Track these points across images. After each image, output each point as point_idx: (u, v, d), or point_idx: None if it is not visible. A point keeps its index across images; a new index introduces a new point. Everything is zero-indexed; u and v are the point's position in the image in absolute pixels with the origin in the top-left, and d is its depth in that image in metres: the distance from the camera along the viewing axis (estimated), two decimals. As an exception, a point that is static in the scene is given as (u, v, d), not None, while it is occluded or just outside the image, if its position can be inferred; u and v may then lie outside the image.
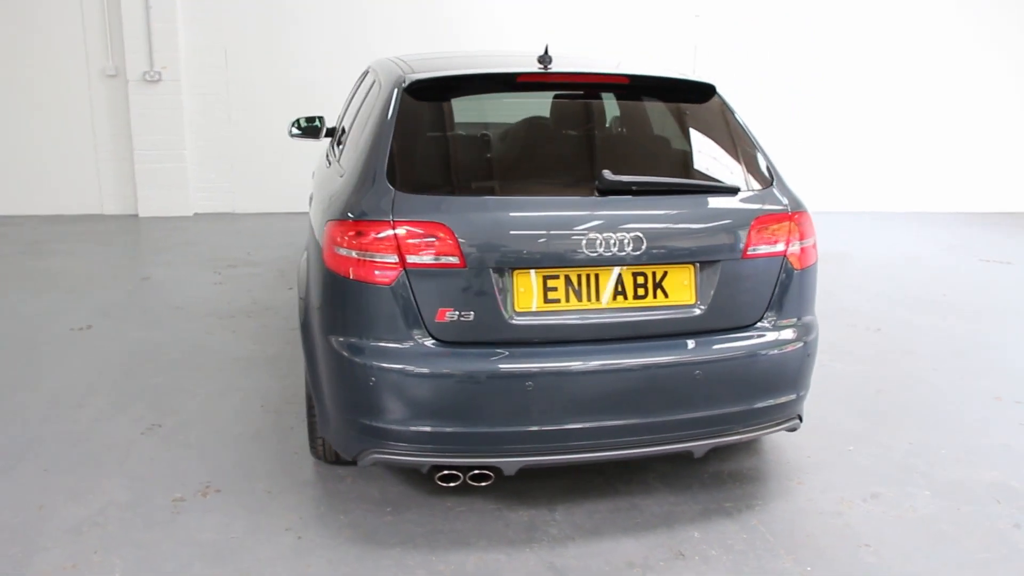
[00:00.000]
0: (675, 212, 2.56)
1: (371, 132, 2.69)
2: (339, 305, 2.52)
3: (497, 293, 2.45)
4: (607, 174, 2.51)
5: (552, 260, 2.45)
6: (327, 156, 3.99)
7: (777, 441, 3.37)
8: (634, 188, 2.54)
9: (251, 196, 7.87)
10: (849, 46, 8.39)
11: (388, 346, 2.45)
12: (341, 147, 3.24)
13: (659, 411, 2.55)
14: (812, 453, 3.31)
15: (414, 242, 2.41)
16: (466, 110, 2.95)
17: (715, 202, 2.62)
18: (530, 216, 2.50)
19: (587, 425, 2.50)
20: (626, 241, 2.47)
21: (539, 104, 2.95)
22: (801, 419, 2.89)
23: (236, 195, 7.87)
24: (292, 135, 4.94)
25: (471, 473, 2.57)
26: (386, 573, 2.50)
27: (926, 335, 4.83)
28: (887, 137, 8.55)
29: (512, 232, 2.46)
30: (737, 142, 2.80)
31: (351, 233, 2.46)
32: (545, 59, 3.04)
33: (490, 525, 2.77)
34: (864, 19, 8.36)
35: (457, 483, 2.62)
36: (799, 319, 2.76)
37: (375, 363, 2.44)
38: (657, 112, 2.86)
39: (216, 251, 6.44)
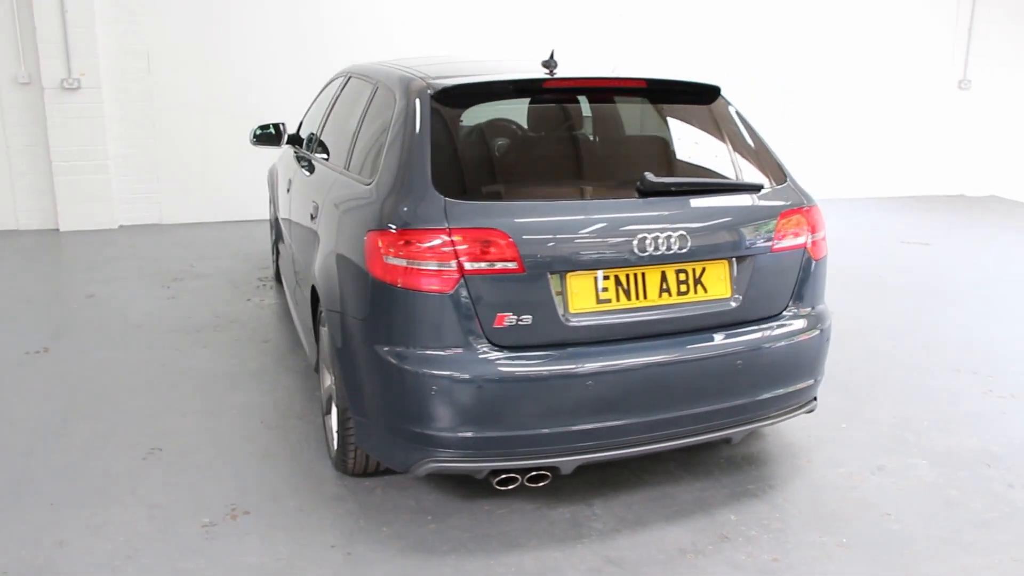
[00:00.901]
0: (712, 210, 2.67)
1: (400, 140, 2.66)
2: (391, 315, 2.49)
3: (554, 296, 2.48)
4: (649, 176, 2.59)
5: (604, 261, 2.51)
6: (307, 162, 3.90)
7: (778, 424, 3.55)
8: (673, 189, 2.63)
9: (179, 206, 7.53)
10: (754, 39, 8.80)
11: (448, 354, 2.45)
12: (347, 155, 3.18)
13: (705, 401, 2.65)
14: (810, 432, 3.50)
15: (473, 249, 2.42)
16: (491, 116, 2.96)
17: (745, 199, 2.74)
18: (582, 219, 2.54)
19: (641, 419, 2.57)
20: (672, 240, 2.55)
21: (556, 109, 2.99)
22: (816, 401, 3.06)
23: (163, 205, 7.51)
24: (254, 143, 4.79)
25: (529, 474, 2.60)
26: (449, 581, 2.50)
27: (876, 314, 5.17)
28: (798, 127, 9.01)
29: (567, 235, 2.50)
30: (749, 140, 2.93)
31: (403, 242, 2.44)
32: (550, 64, 3.10)
33: (536, 525, 2.80)
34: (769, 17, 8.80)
35: (515, 485, 2.64)
36: (814, 308, 2.92)
37: (436, 372, 2.43)
38: (673, 113, 2.96)
39: (155, 264, 6.14)
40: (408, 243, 2.44)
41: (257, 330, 4.73)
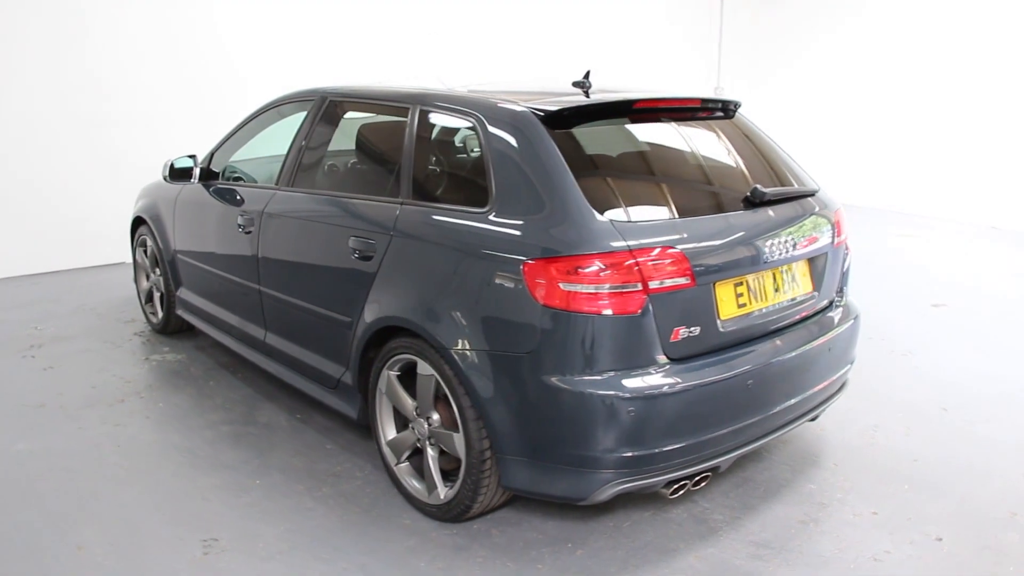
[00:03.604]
0: (801, 215, 2.97)
1: (533, 166, 2.61)
2: (570, 343, 2.44)
3: (713, 305, 2.62)
4: (760, 188, 2.83)
5: (742, 268, 2.70)
6: (302, 196, 3.53)
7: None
8: (775, 198, 2.89)
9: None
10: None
11: (637, 374, 2.47)
12: (405, 185, 2.99)
13: (812, 384, 2.96)
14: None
15: (654, 267, 2.46)
16: (604, 137, 2.96)
17: (814, 203, 3.09)
18: (724, 229, 2.69)
19: (776, 409, 2.80)
20: (784, 243, 2.82)
21: (649, 129, 3.10)
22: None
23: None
24: (170, 180, 4.22)
25: (697, 477, 2.69)
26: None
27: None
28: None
29: (717, 246, 2.64)
30: (780, 150, 3.29)
31: (584, 267, 2.41)
32: (584, 84, 3.22)
33: (668, 529, 2.90)
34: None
35: (684, 491, 2.72)
36: (845, 297, 3.36)
37: (628, 394, 2.43)
38: (721, 128, 3.21)
39: (-20, 332, 5.03)
40: (589, 267, 2.42)
41: (202, 389, 4.13)
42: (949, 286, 6.16)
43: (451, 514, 2.87)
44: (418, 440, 2.96)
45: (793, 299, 2.93)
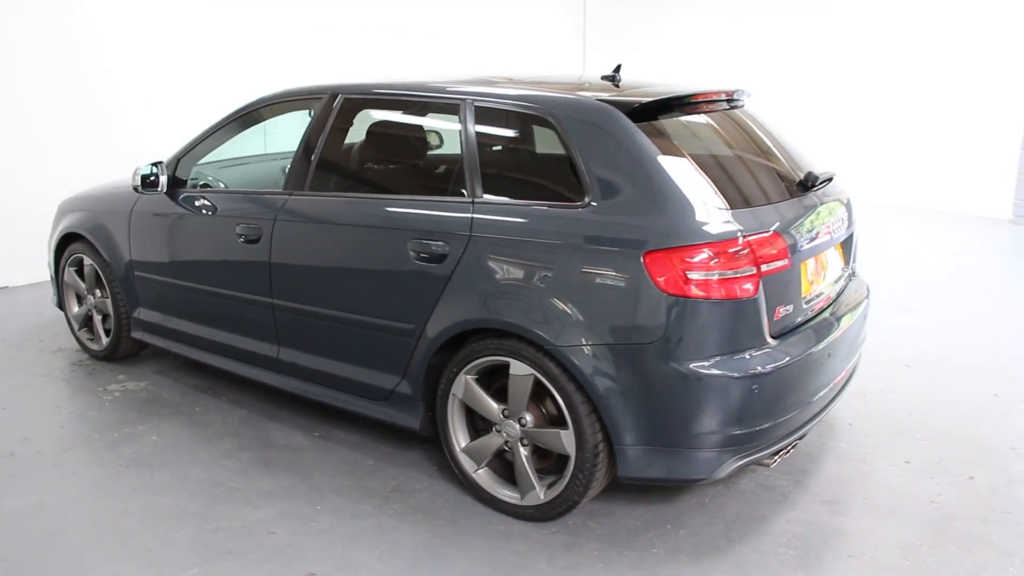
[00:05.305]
0: (833, 196, 3.21)
1: (631, 157, 2.66)
2: (697, 329, 2.52)
3: (800, 284, 2.79)
4: (813, 172, 3.03)
5: (816, 247, 2.90)
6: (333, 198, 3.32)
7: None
8: (820, 183, 3.11)
9: None
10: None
11: (758, 353, 2.60)
12: (487, 183, 2.94)
13: (857, 349, 3.24)
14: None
15: (765, 251, 2.59)
16: (677, 129, 2.99)
17: (840, 185, 3.35)
18: (801, 212, 2.88)
19: (840, 374, 3.04)
20: (836, 223, 3.05)
21: (712, 118, 3.21)
22: None
23: None
24: (143, 190, 3.81)
25: (789, 445, 2.85)
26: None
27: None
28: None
29: (800, 227, 2.82)
30: (784, 136, 3.52)
31: (709, 255, 2.50)
32: (614, 77, 3.31)
33: (747, 499, 3.07)
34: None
35: (780, 460, 2.87)
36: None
37: (752, 372, 2.55)
38: (746, 118, 3.37)
39: None
40: (711, 255, 2.51)
41: (191, 416, 3.77)
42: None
43: (552, 513, 2.87)
44: (506, 443, 2.92)
45: (838, 273, 3.18)
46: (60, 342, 4.76)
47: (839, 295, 3.22)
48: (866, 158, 8.95)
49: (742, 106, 3.37)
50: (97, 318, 4.40)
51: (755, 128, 3.30)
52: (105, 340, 4.38)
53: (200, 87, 6.74)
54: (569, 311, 2.66)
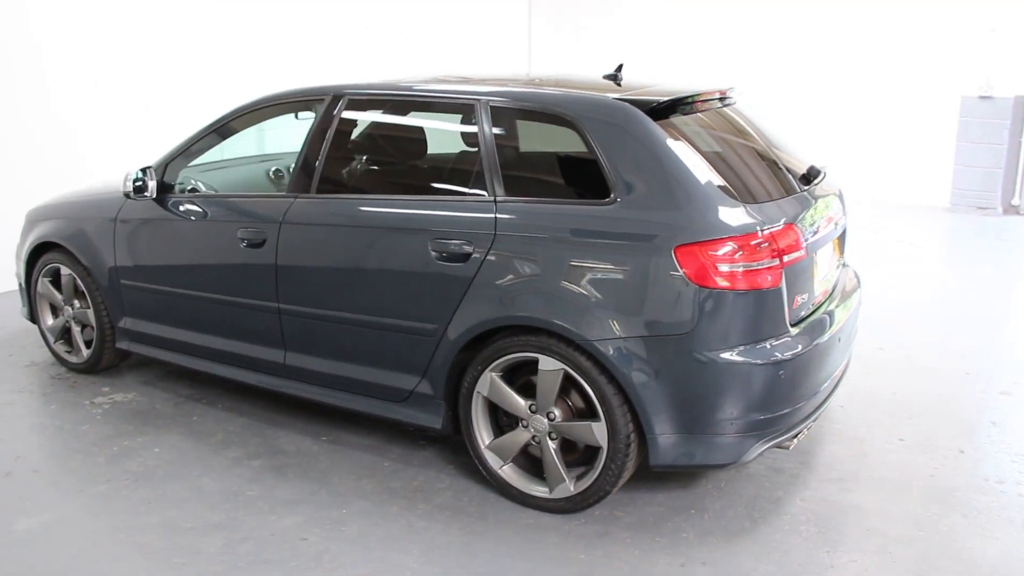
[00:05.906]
0: (833, 191, 3.35)
1: (652, 156, 2.74)
2: (725, 319, 2.62)
3: (813, 274, 2.92)
4: (815, 166, 3.16)
5: (823, 241, 3.03)
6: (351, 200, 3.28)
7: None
8: (820, 177, 3.25)
9: None
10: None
11: (781, 341, 2.72)
12: (509, 184, 2.96)
13: (855, 335, 3.40)
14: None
15: (785, 243, 2.70)
16: (689, 126, 3.06)
17: (834, 180, 3.50)
18: (809, 205, 3.00)
19: (845, 358, 3.20)
20: (837, 215, 3.20)
21: (713, 116, 3.27)
22: None
23: None
24: (135, 196, 3.70)
25: (804, 428, 2.98)
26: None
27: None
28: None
29: (811, 219, 2.95)
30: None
31: (736, 248, 2.59)
32: (616, 76, 3.39)
33: (761, 481, 3.20)
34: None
35: (796, 442, 2.99)
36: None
37: (777, 359, 2.67)
38: (738, 114, 3.48)
39: None
40: (739, 247, 2.60)
41: (191, 426, 3.68)
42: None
43: (582, 504, 2.93)
44: (534, 437, 2.96)
45: (836, 264, 3.33)
46: (32, 355, 4.56)
47: (835, 286, 3.37)
48: (809, 150, 9.30)
49: (734, 103, 3.49)
50: (76, 329, 4.25)
51: (746, 125, 3.42)
52: (86, 352, 4.22)
53: (200, 87, 6.59)
54: (599, 306, 2.72)
